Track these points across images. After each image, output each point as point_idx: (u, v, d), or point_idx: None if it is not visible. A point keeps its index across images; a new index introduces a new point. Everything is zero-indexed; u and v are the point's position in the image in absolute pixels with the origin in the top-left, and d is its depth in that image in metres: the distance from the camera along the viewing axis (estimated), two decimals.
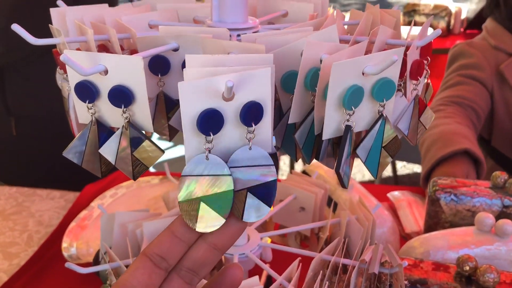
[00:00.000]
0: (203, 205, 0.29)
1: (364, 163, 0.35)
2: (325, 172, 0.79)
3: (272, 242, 0.68)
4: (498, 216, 0.69)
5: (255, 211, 0.28)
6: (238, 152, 0.29)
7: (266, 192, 0.28)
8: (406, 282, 0.50)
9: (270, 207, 0.29)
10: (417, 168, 2.52)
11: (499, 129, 1.14)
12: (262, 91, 0.29)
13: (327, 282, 0.46)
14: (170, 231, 0.29)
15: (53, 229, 0.86)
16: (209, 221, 0.28)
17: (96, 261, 0.57)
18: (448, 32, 2.21)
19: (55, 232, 0.84)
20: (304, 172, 0.78)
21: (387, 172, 2.40)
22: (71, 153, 0.34)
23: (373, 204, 0.72)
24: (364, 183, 0.85)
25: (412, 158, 1.48)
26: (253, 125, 0.28)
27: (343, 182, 0.34)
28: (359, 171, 2.52)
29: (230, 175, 0.29)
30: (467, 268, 0.53)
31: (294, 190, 0.60)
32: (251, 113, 0.28)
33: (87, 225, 0.83)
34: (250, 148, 0.29)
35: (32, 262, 0.78)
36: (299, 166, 2.37)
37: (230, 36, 0.39)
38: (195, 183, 0.29)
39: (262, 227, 0.65)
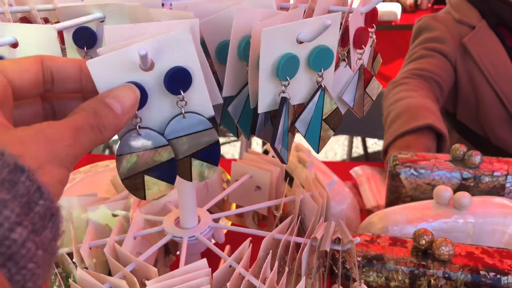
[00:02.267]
0: (148, 178, 0.28)
1: (304, 136, 0.33)
2: None
3: (232, 224, 0.67)
4: (458, 189, 0.68)
5: (204, 172, 0.28)
6: (173, 123, 0.27)
7: (210, 154, 0.28)
8: (359, 258, 0.50)
9: (217, 166, 0.28)
10: None
11: (463, 103, 1.14)
12: (185, 55, 0.26)
13: (278, 262, 0.44)
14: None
15: None
16: (158, 191, 0.28)
17: None
18: (416, 7, 2.21)
19: None
20: (265, 151, 0.76)
21: (358, 149, 2.41)
22: None
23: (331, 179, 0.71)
24: (335, 162, 0.84)
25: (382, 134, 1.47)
26: (182, 92, 0.26)
27: (281, 157, 0.32)
28: (331, 149, 2.52)
29: (167, 144, 0.27)
30: (423, 242, 0.53)
31: (249, 169, 0.58)
32: (176, 80, 0.26)
33: None
34: (184, 117, 0.27)
35: None
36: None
37: (163, 5, 0.36)
38: (133, 159, 0.27)
39: (219, 208, 0.64)
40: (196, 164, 0.29)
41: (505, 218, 0.61)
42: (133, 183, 0.28)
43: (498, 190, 0.68)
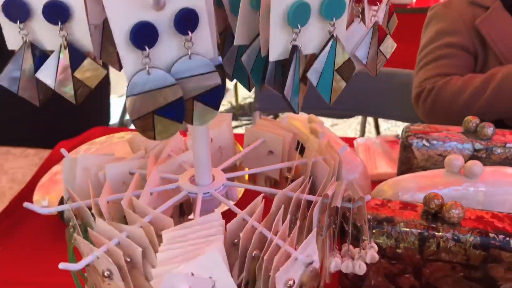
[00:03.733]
0: (157, 118, 0.29)
1: (316, 86, 0.34)
2: (299, 122, 0.78)
3: (245, 189, 0.68)
4: (469, 160, 0.69)
5: (204, 116, 0.29)
6: (178, 64, 0.28)
7: (211, 97, 0.29)
8: (369, 216, 0.50)
9: (217, 110, 0.29)
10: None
11: None
12: None
13: (290, 217, 0.45)
14: None
15: None
16: (167, 130, 0.29)
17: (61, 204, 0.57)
18: None
19: (27, 186, 0.84)
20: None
21: (371, 134, 2.41)
22: (5, 79, 0.32)
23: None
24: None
25: (395, 115, 1.47)
26: (190, 33, 0.27)
27: (291, 106, 0.33)
28: (344, 134, 2.52)
29: (176, 84, 0.28)
30: (434, 205, 0.53)
31: (262, 134, 0.59)
32: (185, 21, 0.27)
33: (60, 180, 0.82)
34: (190, 58, 0.28)
35: (3, 216, 0.77)
36: None
37: None
38: (143, 99, 0.28)
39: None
40: (198, 106, 0.30)
41: None
42: (144, 123, 0.29)
43: (510, 162, 0.68)
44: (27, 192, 0.82)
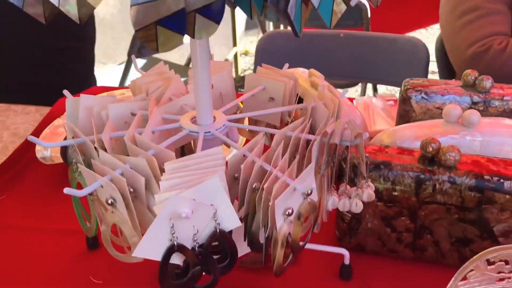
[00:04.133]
0: (159, 28, 0.29)
1: (317, 9, 0.34)
2: (299, 76, 0.78)
3: (246, 140, 0.69)
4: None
5: (205, 29, 0.29)
6: None
7: (213, 11, 0.29)
8: (367, 155, 0.51)
9: (218, 24, 0.29)
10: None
11: None
12: None
13: (289, 153, 0.46)
14: None
15: None
16: (169, 42, 0.30)
17: (64, 149, 0.58)
18: None
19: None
20: None
21: None
22: None
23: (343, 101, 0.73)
24: None
25: (396, 81, 1.47)
26: None
27: (293, 27, 0.33)
28: None
29: None
30: (430, 149, 0.54)
31: (263, 80, 0.60)
32: None
33: (62, 132, 0.83)
34: None
35: (7, 166, 0.78)
36: None
37: None
38: (146, 8, 0.29)
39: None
40: (199, 20, 0.30)
41: None
42: (147, 34, 0.30)
43: (507, 115, 0.69)
44: (30, 144, 0.82)
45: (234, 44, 2.92)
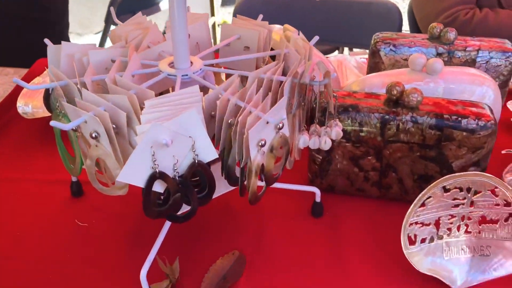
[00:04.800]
0: None
1: None
2: (274, 33, 0.81)
3: None
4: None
5: None
6: None
7: None
8: (335, 94, 0.55)
9: None
10: None
11: None
12: None
13: (263, 93, 0.49)
14: None
15: None
16: None
17: (47, 97, 0.60)
18: None
19: (10, 95, 0.86)
20: None
21: None
22: None
23: (316, 55, 0.76)
24: None
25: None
26: None
27: None
28: None
29: None
30: (395, 92, 0.58)
31: (238, 30, 0.62)
32: None
33: (42, 91, 0.85)
34: None
35: None
36: None
37: None
38: None
39: None
40: None
41: (473, 84, 0.67)
42: None
43: (469, 65, 0.73)
44: (10, 101, 0.84)
45: (212, 14, 2.91)
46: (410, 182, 0.61)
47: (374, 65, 0.77)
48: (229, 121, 0.47)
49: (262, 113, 0.46)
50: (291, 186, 0.62)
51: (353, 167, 0.62)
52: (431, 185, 0.50)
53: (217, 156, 0.47)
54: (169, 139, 0.41)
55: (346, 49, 2.00)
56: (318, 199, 0.62)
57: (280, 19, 1.52)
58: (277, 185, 0.59)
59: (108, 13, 1.81)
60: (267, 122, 0.46)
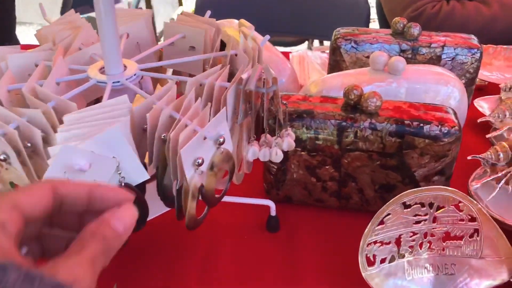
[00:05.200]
0: None
1: None
2: (228, 28, 0.75)
3: None
4: None
5: None
6: None
7: None
8: (285, 102, 0.50)
9: None
10: None
11: None
12: None
13: (203, 102, 0.44)
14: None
15: None
16: None
17: None
18: None
19: None
20: None
21: None
22: None
23: (274, 54, 0.71)
24: None
25: None
26: None
27: None
28: None
29: None
30: (353, 96, 0.54)
31: (182, 28, 0.57)
32: None
33: None
34: None
35: None
36: None
37: None
38: None
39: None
40: None
41: (437, 84, 0.63)
42: None
43: (434, 62, 0.69)
44: None
45: (180, 4, 2.83)
46: (371, 192, 0.57)
47: (335, 63, 0.72)
48: (162, 136, 0.41)
49: (198, 127, 0.40)
50: (243, 200, 0.57)
51: (310, 177, 0.57)
52: (390, 201, 0.46)
53: (148, 177, 0.41)
54: (85, 163, 0.36)
55: (316, 42, 1.96)
56: (273, 213, 0.57)
57: (245, 10, 1.47)
58: (228, 198, 0.54)
59: (65, 4, 1.71)
60: (205, 138, 0.40)
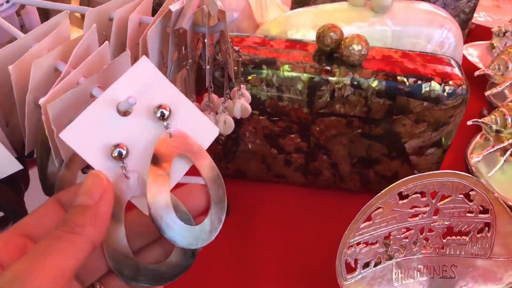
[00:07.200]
0: None
1: None
2: None
3: None
4: None
5: None
6: None
7: None
8: (238, 48, 0.35)
9: None
10: None
11: None
12: None
13: (110, 45, 0.29)
14: None
15: None
16: None
17: None
18: None
19: None
20: None
21: None
22: None
23: None
24: None
25: None
26: None
27: None
28: None
29: None
30: (329, 41, 0.39)
31: None
32: None
33: None
34: None
35: None
36: None
37: None
38: None
39: None
40: None
41: (430, 26, 0.50)
42: None
43: None
44: None
45: None
46: (347, 167, 0.44)
47: None
48: (40, 101, 0.26)
49: (99, 88, 0.25)
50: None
51: (269, 147, 0.43)
52: (383, 191, 0.33)
53: (22, 167, 0.26)
54: None
55: None
56: None
57: None
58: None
59: None
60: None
